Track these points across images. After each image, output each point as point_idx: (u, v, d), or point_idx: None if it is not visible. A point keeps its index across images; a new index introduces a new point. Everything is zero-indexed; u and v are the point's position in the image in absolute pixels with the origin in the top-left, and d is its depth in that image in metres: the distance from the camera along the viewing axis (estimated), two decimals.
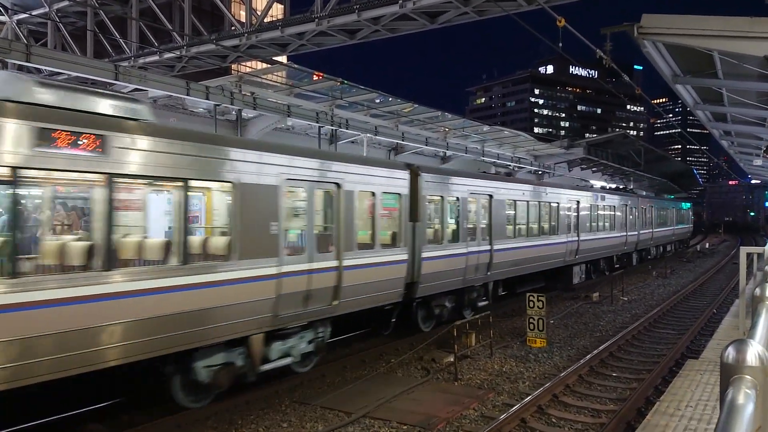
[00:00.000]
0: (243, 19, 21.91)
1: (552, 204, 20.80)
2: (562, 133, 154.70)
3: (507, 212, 17.63)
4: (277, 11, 29.11)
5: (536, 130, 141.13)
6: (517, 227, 18.03)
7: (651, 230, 34.33)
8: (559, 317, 17.35)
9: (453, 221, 15.01)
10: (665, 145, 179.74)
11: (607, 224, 26.70)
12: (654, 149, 53.16)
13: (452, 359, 11.55)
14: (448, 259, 14.33)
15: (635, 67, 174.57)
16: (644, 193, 39.87)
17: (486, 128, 29.11)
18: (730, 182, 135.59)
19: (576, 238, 22.49)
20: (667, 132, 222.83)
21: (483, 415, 9.13)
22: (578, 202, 23.12)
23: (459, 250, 14.81)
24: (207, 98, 16.42)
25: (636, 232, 30.99)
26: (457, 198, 14.87)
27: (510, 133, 31.63)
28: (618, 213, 28.28)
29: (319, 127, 20.32)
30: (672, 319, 17.72)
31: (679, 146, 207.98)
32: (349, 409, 9.23)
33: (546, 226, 20.38)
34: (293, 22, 19.98)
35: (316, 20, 18.91)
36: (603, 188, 31.22)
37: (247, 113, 18.56)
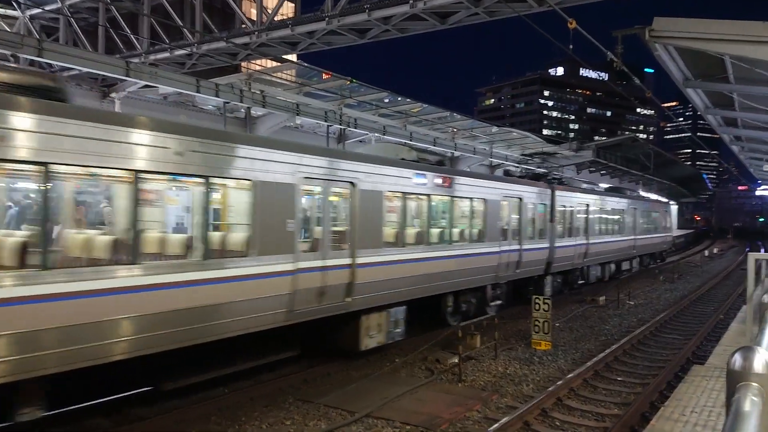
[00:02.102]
0: (254, 17, 21.94)
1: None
2: (572, 135, 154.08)
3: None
4: (288, 10, 29.18)
5: (545, 132, 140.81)
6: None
7: (584, 241, 22.44)
8: (565, 320, 17.29)
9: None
10: (675, 149, 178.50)
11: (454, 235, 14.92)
12: (663, 153, 52.98)
13: (456, 360, 11.54)
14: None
15: (646, 70, 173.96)
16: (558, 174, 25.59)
17: (495, 129, 29.08)
18: (740, 187, 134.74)
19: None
20: (677, 136, 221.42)
21: (486, 417, 9.11)
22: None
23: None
24: (217, 96, 16.49)
25: (534, 246, 18.54)
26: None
27: (519, 135, 31.56)
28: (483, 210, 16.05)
29: (328, 126, 20.36)
30: (678, 324, 17.63)
31: (689, 150, 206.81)
32: (352, 408, 9.23)
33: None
34: (304, 20, 19.98)
35: (327, 19, 18.90)
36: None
37: (256, 111, 18.62)
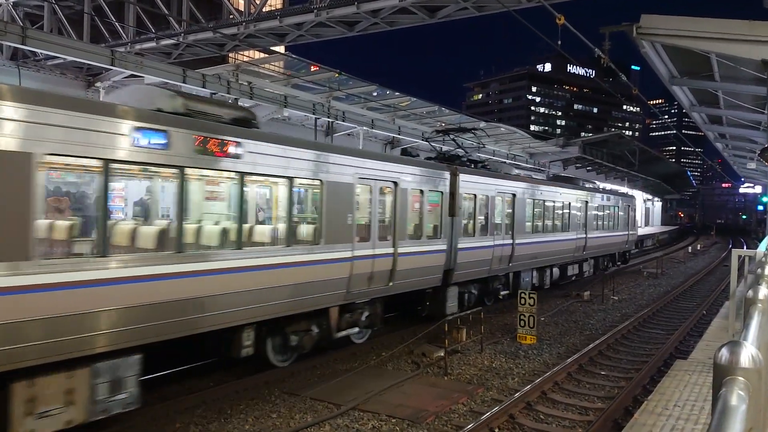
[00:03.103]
0: (241, 8, 21.76)
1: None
2: (558, 131, 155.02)
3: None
4: (276, 1, 28.94)
5: (532, 127, 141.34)
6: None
7: (509, 240, 17.54)
8: (550, 315, 17.42)
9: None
10: (660, 146, 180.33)
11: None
12: (649, 150, 53.45)
13: (443, 354, 11.58)
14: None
15: (632, 67, 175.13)
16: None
17: (483, 124, 29.11)
18: (724, 185, 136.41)
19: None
20: (663, 133, 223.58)
21: (472, 410, 9.16)
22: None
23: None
24: (203, 86, 16.38)
25: (418, 249, 13.50)
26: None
27: (506, 130, 31.68)
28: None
29: (316, 118, 20.28)
30: (662, 319, 17.82)
31: (674, 148, 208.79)
32: (338, 401, 9.24)
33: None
34: (292, 12, 19.89)
35: (315, 11, 18.82)
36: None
37: (244, 103, 18.48)
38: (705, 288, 25.77)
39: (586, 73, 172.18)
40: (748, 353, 1.80)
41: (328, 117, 20.12)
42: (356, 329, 11.96)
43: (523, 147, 34.94)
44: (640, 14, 12.63)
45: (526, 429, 8.58)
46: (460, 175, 14.97)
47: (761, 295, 3.39)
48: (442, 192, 14.29)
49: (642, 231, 63.98)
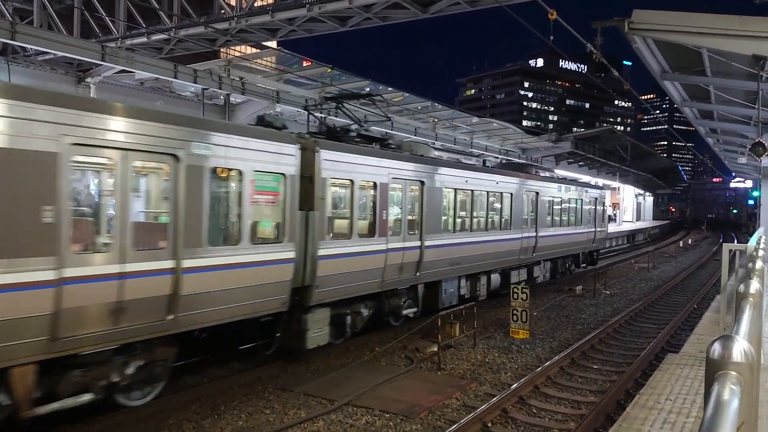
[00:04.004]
0: (233, 3, 21.63)
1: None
2: (551, 126, 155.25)
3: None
4: None
5: (525, 122, 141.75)
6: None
7: (415, 243, 13.67)
8: (542, 309, 17.49)
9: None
10: (652, 141, 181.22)
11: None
12: (640, 145, 53.73)
13: (436, 349, 11.61)
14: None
15: (624, 62, 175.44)
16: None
17: (475, 120, 29.16)
18: (714, 180, 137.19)
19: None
20: (654, 128, 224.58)
21: (465, 405, 9.20)
22: None
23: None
24: (195, 82, 16.30)
25: (225, 260, 8.93)
26: None
27: (499, 125, 31.71)
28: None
29: (308, 114, 20.19)
30: (653, 313, 17.93)
31: (666, 143, 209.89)
32: (332, 397, 9.25)
33: None
34: (283, 7, 19.74)
35: (307, 6, 18.70)
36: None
37: (236, 98, 18.42)
38: (696, 282, 25.93)
39: (579, 68, 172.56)
40: (740, 348, 1.81)
41: (321, 112, 20.04)
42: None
43: (516, 142, 34.98)
44: (632, 9, 12.67)
45: (519, 423, 8.62)
46: (322, 152, 10.73)
47: (752, 289, 3.41)
48: (284, 175, 9.91)
49: (633, 226, 64.32)
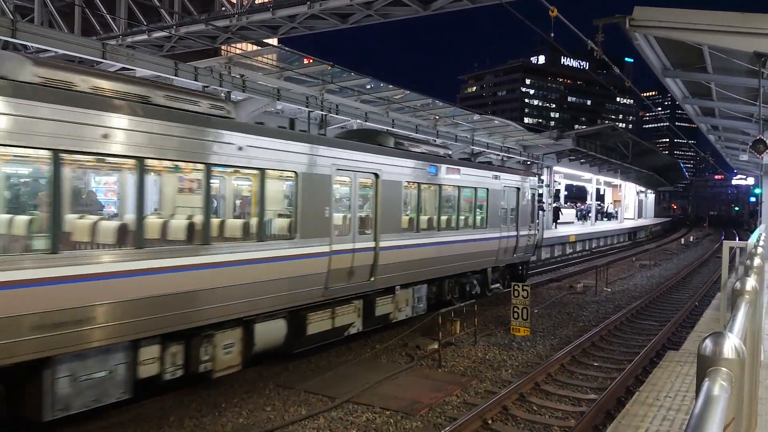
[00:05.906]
0: (234, 0, 21.64)
1: None
2: (552, 123, 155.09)
3: None
4: None
5: (526, 120, 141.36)
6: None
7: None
8: (543, 307, 17.50)
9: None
10: (653, 138, 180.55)
11: None
12: (642, 142, 53.56)
13: (436, 346, 11.63)
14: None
15: (626, 59, 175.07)
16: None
17: (476, 117, 29.07)
18: (716, 177, 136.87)
19: None
20: (656, 125, 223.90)
21: (465, 402, 9.22)
22: None
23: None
24: (196, 79, 16.27)
25: None
26: None
27: (500, 123, 31.64)
28: None
29: (309, 111, 20.20)
30: (654, 310, 17.93)
31: (667, 140, 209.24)
32: (332, 394, 9.28)
33: None
34: (284, 4, 19.76)
35: (308, 3, 18.73)
36: None
37: (236, 96, 18.38)
38: (697, 279, 25.91)
39: (580, 65, 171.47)
40: (731, 344, 1.82)
41: (322, 110, 20.05)
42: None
43: (517, 140, 34.90)
44: (633, 6, 12.66)
45: (519, 420, 8.64)
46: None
47: (748, 286, 3.42)
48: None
49: (635, 223, 64.22)
